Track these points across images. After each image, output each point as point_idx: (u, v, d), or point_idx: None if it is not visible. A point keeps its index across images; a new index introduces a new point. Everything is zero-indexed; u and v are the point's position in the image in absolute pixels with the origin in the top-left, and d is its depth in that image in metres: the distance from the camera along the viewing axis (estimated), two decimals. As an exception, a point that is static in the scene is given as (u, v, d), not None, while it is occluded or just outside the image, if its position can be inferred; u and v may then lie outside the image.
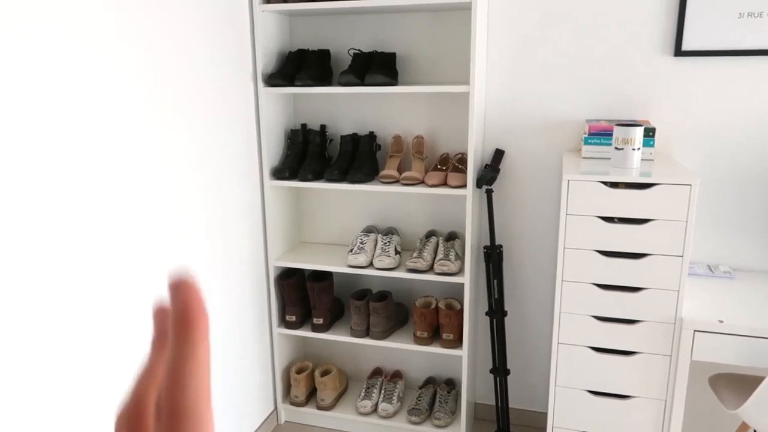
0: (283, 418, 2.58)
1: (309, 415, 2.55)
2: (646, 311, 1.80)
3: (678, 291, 1.75)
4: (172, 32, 1.77)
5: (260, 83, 2.26)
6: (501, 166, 2.32)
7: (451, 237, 2.36)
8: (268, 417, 2.49)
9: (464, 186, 2.14)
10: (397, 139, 2.33)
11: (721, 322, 1.71)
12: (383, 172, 2.23)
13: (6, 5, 1.24)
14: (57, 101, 1.38)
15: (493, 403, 2.56)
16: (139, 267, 1.68)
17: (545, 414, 2.49)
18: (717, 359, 1.74)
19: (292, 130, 2.41)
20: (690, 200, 1.69)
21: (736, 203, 2.10)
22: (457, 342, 2.26)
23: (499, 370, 2.31)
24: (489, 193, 2.20)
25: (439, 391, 2.46)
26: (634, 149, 1.82)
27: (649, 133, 1.95)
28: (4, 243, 1.26)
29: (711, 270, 2.07)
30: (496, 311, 2.26)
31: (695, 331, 1.74)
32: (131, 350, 1.67)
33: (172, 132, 1.80)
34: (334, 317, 2.49)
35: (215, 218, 2.05)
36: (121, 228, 1.61)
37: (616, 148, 1.84)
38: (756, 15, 1.93)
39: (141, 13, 1.63)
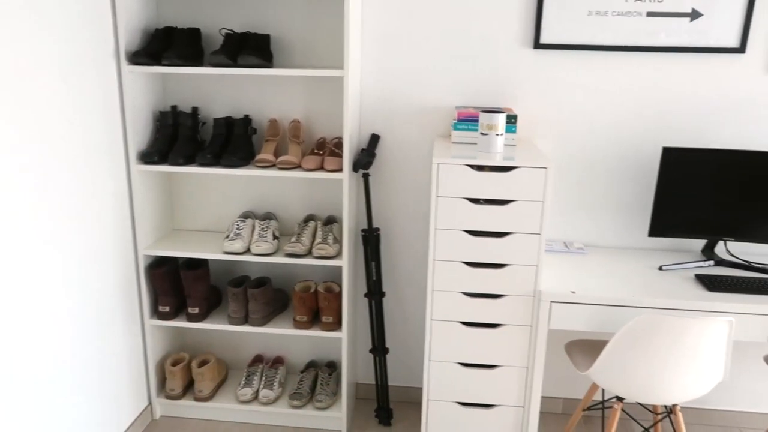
0: (158, 413, 2.47)
1: (186, 407, 2.46)
2: (509, 286, 1.93)
3: (536, 266, 1.90)
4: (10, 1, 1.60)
5: (123, 61, 2.12)
6: (377, 151, 2.37)
7: (330, 221, 2.38)
8: (141, 413, 2.38)
9: (341, 170, 2.16)
10: (273, 122, 2.29)
11: (573, 293, 1.88)
12: (259, 156, 2.18)
13: None
14: None
15: (374, 382, 2.63)
16: (-20, 260, 1.52)
17: (422, 389, 2.60)
18: (571, 327, 1.92)
19: (161, 112, 2.29)
20: (546, 182, 1.83)
21: (587, 185, 2.30)
22: (337, 324, 2.29)
23: (378, 349, 2.38)
24: (366, 177, 2.24)
25: (320, 374, 2.48)
26: (497, 135, 1.93)
27: (511, 120, 2.08)
28: None
29: (566, 246, 2.27)
30: (375, 293, 2.31)
31: (552, 302, 1.90)
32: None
33: (20, 116, 1.63)
34: (210, 306, 2.42)
35: (71, 207, 1.89)
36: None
37: (481, 133, 1.95)
38: (602, 13, 2.12)
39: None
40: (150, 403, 2.44)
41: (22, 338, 1.68)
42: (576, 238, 2.35)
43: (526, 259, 1.90)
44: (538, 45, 2.16)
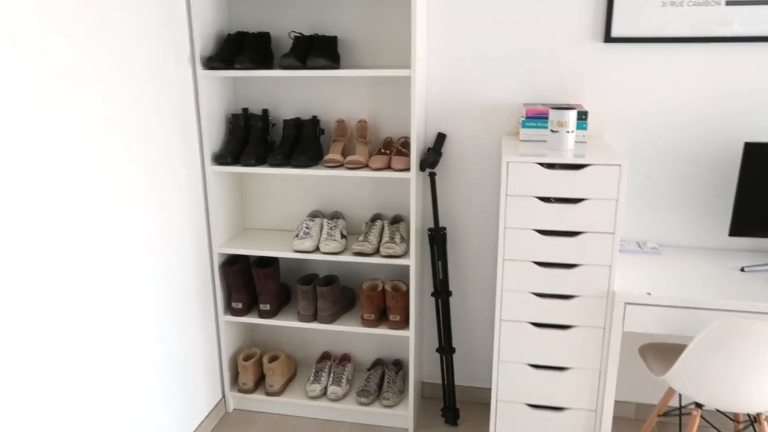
0: (231, 406, 2.56)
1: (258, 401, 2.54)
2: (581, 286, 1.89)
3: (610, 266, 1.85)
4: (98, 13, 1.70)
5: (198, 66, 2.21)
6: (443, 150, 2.37)
7: (396, 220, 2.39)
8: (216, 405, 2.47)
9: (408, 169, 2.17)
10: (341, 123, 2.33)
11: (648, 294, 1.81)
12: (327, 157, 2.23)
13: None
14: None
15: (440, 381, 2.63)
16: (78, 260, 1.62)
17: (489, 389, 2.58)
18: (646, 330, 1.85)
19: (233, 114, 2.37)
20: (620, 180, 1.78)
21: (661, 182, 2.22)
22: (404, 323, 2.30)
23: (445, 348, 2.37)
24: (432, 176, 2.24)
25: (387, 372, 2.50)
26: (568, 132, 1.89)
27: (582, 116, 2.03)
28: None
29: (640, 246, 2.19)
30: (441, 292, 2.31)
31: (626, 303, 1.84)
32: (60, 343, 1.62)
33: (105, 119, 1.73)
34: (280, 303, 2.48)
35: (154, 207, 2.00)
36: (57, 221, 1.55)
37: (551, 131, 1.91)
38: (677, 3, 2.04)
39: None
40: (224, 397, 2.54)
41: (108, 331, 1.78)
42: (650, 237, 2.27)
43: (599, 259, 1.85)
44: (608, 38, 2.10)
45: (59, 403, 1.59)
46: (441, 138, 2.27)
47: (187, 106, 2.19)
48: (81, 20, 1.61)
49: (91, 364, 1.71)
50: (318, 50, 2.16)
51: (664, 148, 2.18)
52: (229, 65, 2.22)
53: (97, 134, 1.70)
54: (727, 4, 2.03)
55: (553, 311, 1.94)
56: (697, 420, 1.82)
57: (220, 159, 2.29)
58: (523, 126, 2.09)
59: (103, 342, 1.76)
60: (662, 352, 1.98)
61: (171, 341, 2.12)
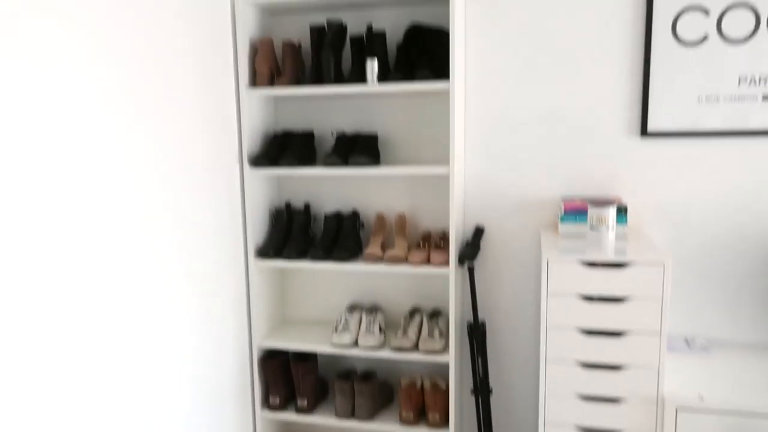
0: (265, 506, 2.48)
1: (293, 501, 2.46)
2: (628, 389, 1.81)
3: (658, 369, 1.78)
4: (160, 111, 1.82)
5: (246, 164, 2.32)
6: (481, 243, 2.38)
7: (435, 314, 2.38)
8: (250, 505, 2.40)
9: (447, 264, 2.18)
10: (380, 217, 2.38)
11: (701, 399, 1.73)
12: (367, 251, 2.26)
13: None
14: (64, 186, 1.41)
15: (482, 483, 2.50)
16: (123, 348, 1.66)
17: (535, 494, 2.44)
18: (702, 437, 1.75)
19: (276, 209, 2.46)
20: (664, 278, 1.74)
21: (707, 276, 2.16)
22: (444, 423, 2.23)
23: (487, 449, 2.28)
24: (471, 270, 2.24)
25: (426, 473, 2.40)
26: (608, 228, 1.89)
27: (622, 211, 2.02)
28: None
29: (688, 344, 2.11)
30: (482, 390, 2.25)
31: (677, 409, 1.75)
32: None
33: (159, 210, 1.82)
34: (318, 398, 2.45)
35: (199, 299, 2.04)
36: (103, 307, 1.60)
37: (591, 227, 1.91)
38: (713, 99, 2.07)
39: (139, 97, 1.69)
40: (258, 494, 2.47)
41: (145, 422, 1.78)
42: (698, 332, 2.19)
43: (646, 360, 1.79)
44: (645, 133, 2.13)
45: (97, 506, 1.58)
46: (479, 232, 2.29)
47: (234, 201, 2.29)
48: (150, 122, 1.74)
49: (130, 465, 1.70)
50: (359, 149, 2.25)
51: (707, 241, 2.15)
52: (275, 163, 2.32)
53: (151, 226, 1.78)
54: (764, 99, 2.05)
55: (601, 415, 1.85)
56: None
57: (263, 252, 2.35)
58: (562, 221, 2.09)
59: (139, 429, 1.76)
60: (722, 462, 1.85)
61: (208, 438, 2.10)
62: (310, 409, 2.37)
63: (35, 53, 1.38)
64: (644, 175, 2.17)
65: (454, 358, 2.17)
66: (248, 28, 2.29)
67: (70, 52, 1.48)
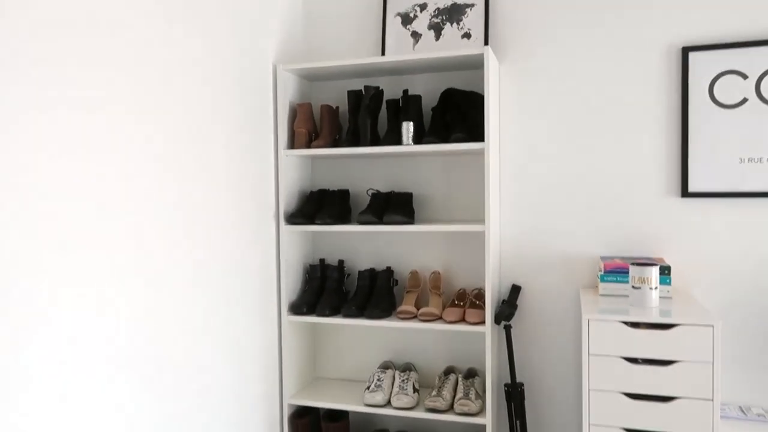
0: None
1: None
2: (680, 459, 1.71)
3: (712, 437, 1.68)
4: (203, 170, 1.88)
5: (282, 221, 2.35)
6: (518, 302, 2.33)
7: (471, 374, 2.31)
8: None
9: (483, 323, 2.14)
10: (414, 274, 2.37)
11: (762, 472, 1.62)
12: (401, 308, 2.24)
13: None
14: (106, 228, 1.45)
15: None
16: (155, 400, 1.65)
17: None
18: None
19: (310, 265, 2.47)
20: (714, 341, 1.67)
21: (760, 341, 2.07)
22: (481, 490, 2.13)
23: None
24: (507, 329, 2.19)
25: None
26: (651, 288, 1.84)
27: (665, 271, 1.98)
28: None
29: (744, 412, 2.00)
30: (521, 455, 2.15)
31: (735, 482, 1.64)
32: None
33: (198, 266, 1.85)
34: (349, 460, 2.37)
35: (230, 355, 2.03)
36: (132, 359, 1.60)
37: (633, 287, 1.86)
38: (756, 160, 2.04)
39: (183, 157, 1.75)
40: None
41: (180, 489, 1.75)
42: (753, 402, 2.07)
43: (698, 428, 1.69)
44: (686, 194, 2.10)
45: None
46: (516, 290, 2.25)
47: (269, 257, 2.31)
48: (192, 180, 1.79)
49: None
50: (394, 206, 2.27)
51: (757, 302, 2.07)
52: (310, 221, 2.35)
53: (189, 280, 1.80)
54: (806, 158, 2.01)
55: (651, 487, 1.75)
56: None
57: (296, 309, 2.35)
58: (602, 280, 2.05)
59: (173, 502, 1.71)
60: None
61: (237, 501, 2.04)
62: (341, 472, 2.29)
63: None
64: (686, 235, 2.13)
65: (491, 420, 2.09)
66: (288, 93, 2.38)
67: (129, 123, 1.55)
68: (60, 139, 1.36)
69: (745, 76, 2.05)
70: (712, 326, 1.67)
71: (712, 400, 1.68)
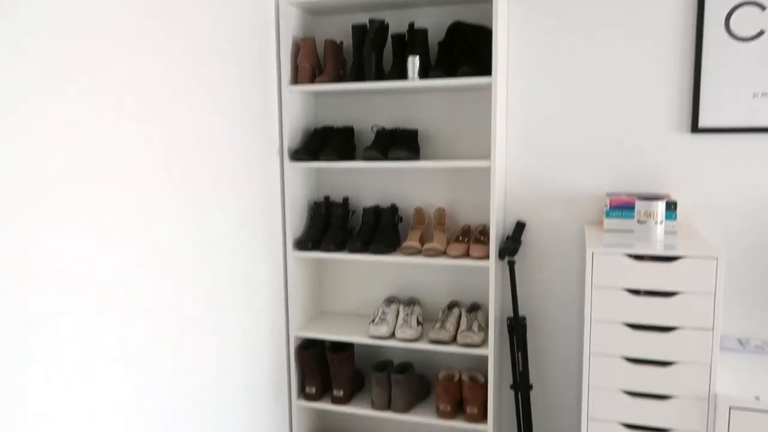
0: (301, 497, 2.49)
1: (328, 494, 2.46)
2: (678, 386, 1.77)
3: (710, 366, 1.73)
4: (206, 105, 1.86)
5: (286, 158, 2.34)
6: (522, 238, 2.35)
7: (474, 308, 2.36)
8: (286, 496, 2.41)
9: (486, 258, 2.16)
10: (419, 211, 2.38)
11: (757, 398, 1.67)
12: (405, 243, 2.26)
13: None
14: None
15: (519, 482, 2.46)
16: (160, 336, 1.69)
17: (574, 495, 2.39)
18: (754, 438, 1.69)
19: (315, 202, 2.47)
20: (717, 273, 1.69)
21: (762, 276, 2.09)
22: (482, 416, 2.21)
23: (526, 447, 2.24)
24: (511, 264, 2.21)
25: (463, 469, 2.38)
26: (656, 222, 1.84)
27: (671, 206, 1.98)
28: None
29: (742, 344, 2.05)
30: (521, 385, 2.22)
31: (731, 407, 1.70)
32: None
33: (202, 201, 1.85)
34: (354, 389, 2.45)
35: (238, 289, 2.07)
36: (141, 292, 1.63)
37: (638, 221, 1.87)
38: (768, 94, 2.01)
39: (183, 91, 1.72)
40: (293, 486, 2.48)
41: (182, 409, 1.81)
42: (753, 334, 2.12)
43: (698, 357, 1.74)
44: (696, 129, 2.08)
45: (143, 486, 1.61)
46: (520, 227, 2.26)
47: (273, 194, 2.31)
48: (193, 109, 1.77)
49: (174, 448, 1.73)
50: (399, 143, 2.25)
51: (761, 239, 2.08)
52: (315, 157, 2.34)
53: (189, 214, 1.81)
54: (819, 92, 1.98)
55: (648, 412, 1.81)
56: None
57: (302, 244, 2.37)
58: (607, 216, 2.05)
59: (177, 421, 1.78)
60: (775, 465, 1.79)
61: (244, 422, 2.12)
62: (346, 399, 2.37)
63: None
64: (694, 171, 2.12)
65: (493, 352, 2.15)
66: (291, 27, 2.32)
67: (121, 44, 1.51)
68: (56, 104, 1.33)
69: (763, 8, 1.98)
70: (717, 258, 1.69)
71: (713, 330, 1.71)
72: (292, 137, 2.37)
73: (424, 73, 2.20)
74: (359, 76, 2.27)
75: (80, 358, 1.39)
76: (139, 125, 1.56)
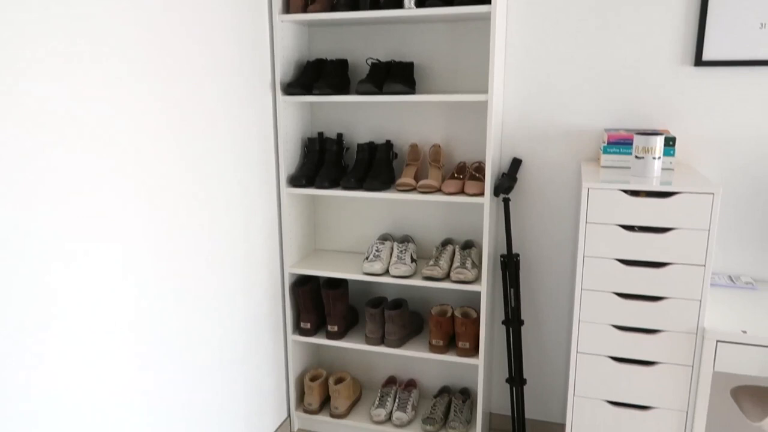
0: (296, 426, 2.57)
1: (322, 423, 2.53)
2: (667, 321, 1.78)
3: (700, 301, 1.74)
4: (194, 37, 1.79)
5: (279, 92, 2.28)
6: (518, 175, 2.32)
7: (468, 245, 2.36)
8: (281, 424, 2.48)
9: (482, 194, 2.14)
10: (414, 147, 2.34)
11: (744, 332, 1.69)
12: (400, 180, 2.23)
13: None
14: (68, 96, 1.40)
15: (509, 413, 2.54)
16: (154, 274, 1.69)
17: (562, 425, 2.47)
18: (740, 371, 1.72)
19: (309, 138, 2.43)
20: (713, 209, 1.68)
21: (757, 214, 2.08)
22: (473, 351, 2.25)
23: (515, 379, 2.29)
24: (506, 201, 2.20)
25: (454, 401, 2.44)
26: (654, 158, 1.81)
27: (670, 142, 1.94)
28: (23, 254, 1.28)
29: (732, 280, 2.06)
30: (513, 320, 2.25)
31: (718, 341, 1.72)
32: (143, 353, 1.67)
33: (193, 137, 1.81)
34: (348, 325, 2.49)
35: (231, 225, 2.06)
36: (138, 230, 1.62)
37: (636, 156, 1.84)
38: (776, 25, 1.93)
39: (166, 23, 1.65)
40: (289, 416, 2.55)
41: (179, 346, 1.83)
42: (744, 271, 2.13)
43: (688, 292, 1.74)
44: (699, 62, 2.01)
45: (124, 415, 1.64)
46: (516, 163, 2.23)
47: (266, 130, 2.26)
48: (180, 41, 1.70)
49: (162, 378, 1.76)
50: (394, 76, 2.18)
51: (759, 177, 2.05)
52: (308, 91, 2.28)
53: (180, 151, 1.77)
54: (830, 25, 1.90)
55: (636, 346, 1.83)
56: (799, 474, 1.66)
57: (295, 181, 2.34)
58: (605, 152, 2.02)
59: (174, 356, 1.81)
60: (759, 396, 1.83)
61: (240, 358, 2.16)
62: (340, 335, 2.41)
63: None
64: (696, 106, 2.07)
65: (486, 288, 2.16)
66: (282, -53, 2.21)
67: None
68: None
69: (777, -68, 1.88)
70: (712, 194, 1.67)
71: (704, 265, 1.72)
72: (284, 70, 2.30)
73: (420, 1, 2.11)
74: (353, 5, 2.19)
75: (85, 289, 1.39)
76: (127, 60, 1.50)
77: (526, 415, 2.52)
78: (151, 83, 1.61)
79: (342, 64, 2.33)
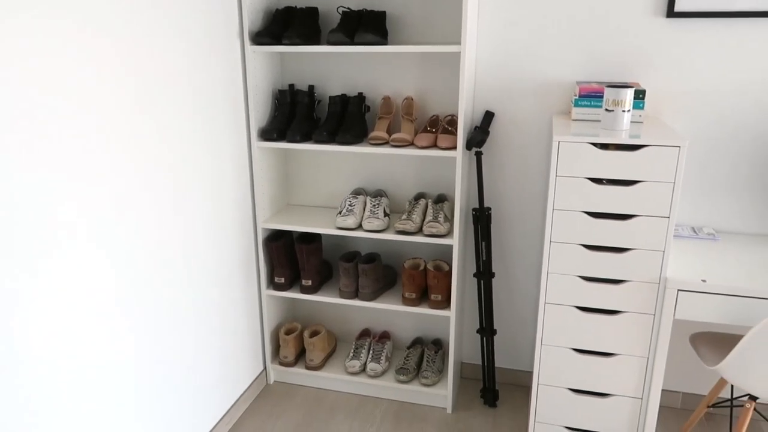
0: (272, 378, 2.61)
1: (298, 375, 2.58)
2: (631, 271, 1.83)
3: (663, 252, 1.78)
4: (156, -14, 1.71)
5: (247, 42, 2.21)
6: (491, 128, 2.32)
7: (440, 199, 2.37)
8: (257, 377, 2.52)
9: (454, 148, 2.13)
10: (387, 100, 2.31)
11: (704, 281, 1.75)
12: (372, 134, 2.21)
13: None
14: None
15: (480, 362, 2.61)
16: (124, 233, 1.66)
17: (530, 372, 2.55)
18: (699, 318, 1.79)
19: (279, 90, 2.37)
20: (678, 162, 1.70)
21: (722, 167, 2.12)
22: (445, 303, 2.29)
23: (486, 330, 2.35)
24: (478, 155, 2.20)
25: (426, 351, 2.50)
26: (624, 111, 1.82)
27: (639, 95, 1.95)
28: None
29: (695, 232, 2.11)
30: (484, 273, 2.28)
31: (679, 290, 1.78)
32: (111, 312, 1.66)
33: (157, 90, 1.76)
34: (322, 279, 2.50)
35: (201, 180, 2.02)
36: (107, 188, 1.58)
37: (606, 109, 1.84)
38: (749, -24, 1.92)
39: (123, -35, 1.57)
40: (265, 369, 2.59)
41: (153, 302, 1.83)
42: (706, 223, 2.18)
43: (652, 243, 1.79)
44: (672, 13, 2.00)
45: (103, 372, 1.65)
46: (489, 116, 2.22)
47: (235, 81, 2.20)
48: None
49: (137, 333, 1.76)
50: (366, 26, 2.13)
51: (726, 131, 2.08)
52: (277, 41, 2.21)
53: (145, 105, 1.72)
54: (802, -23, 1.90)
55: (601, 296, 1.89)
56: (750, 413, 1.75)
57: (266, 135, 2.30)
58: (576, 105, 2.02)
59: (149, 312, 1.80)
60: (715, 342, 1.91)
61: (216, 313, 2.16)
62: (314, 289, 2.43)
63: None
64: (668, 59, 2.07)
65: (458, 241, 2.18)
66: None
67: None
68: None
69: None
70: (679, 147, 1.69)
71: (669, 217, 1.75)
72: (252, 19, 2.22)
73: (392, -52, 2.05)
74: (323, -49, 2.11)
75: (64, 245, 1.37)
76: (85, 11, 1.43)
77: (496, 364, 2.60)
78: (109, 33, 1.54)
79: (312, 13, 2.26)
